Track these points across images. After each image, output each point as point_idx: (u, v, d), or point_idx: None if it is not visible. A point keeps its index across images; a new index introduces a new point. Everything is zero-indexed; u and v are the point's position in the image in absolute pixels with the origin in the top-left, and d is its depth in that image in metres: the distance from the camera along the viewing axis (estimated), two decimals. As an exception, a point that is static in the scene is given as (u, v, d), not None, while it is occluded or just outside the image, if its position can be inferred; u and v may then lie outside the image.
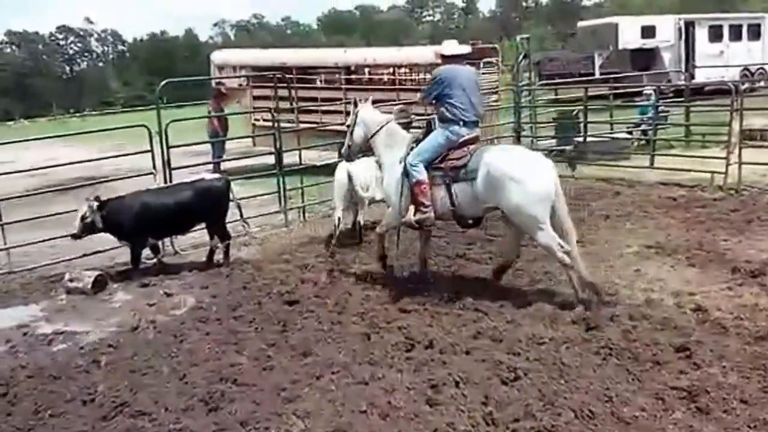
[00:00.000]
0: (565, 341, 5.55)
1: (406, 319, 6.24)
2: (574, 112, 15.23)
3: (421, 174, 6.77)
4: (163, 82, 10.02)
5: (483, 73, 14.40)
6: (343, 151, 7.86)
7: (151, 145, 9.10)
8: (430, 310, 6.41)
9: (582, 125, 14.04)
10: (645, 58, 26.21)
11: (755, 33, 28.77)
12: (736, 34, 28.59)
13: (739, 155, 11.11)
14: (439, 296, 6.73)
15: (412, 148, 6.99)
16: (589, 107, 14.28)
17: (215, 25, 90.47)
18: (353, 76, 16.19)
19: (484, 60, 14.68)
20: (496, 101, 14.76)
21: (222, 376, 5.35)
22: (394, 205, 7.15)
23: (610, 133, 14.66)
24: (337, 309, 6.63)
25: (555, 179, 6.40)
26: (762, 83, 25.33)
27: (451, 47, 7.14)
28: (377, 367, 5.31)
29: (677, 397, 4.66)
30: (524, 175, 6.32)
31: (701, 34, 27.62)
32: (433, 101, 6.97)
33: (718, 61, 26.32)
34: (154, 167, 9.16)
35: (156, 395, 5.13)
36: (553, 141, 14.87)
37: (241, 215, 8.95)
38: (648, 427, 4.35)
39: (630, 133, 15.03)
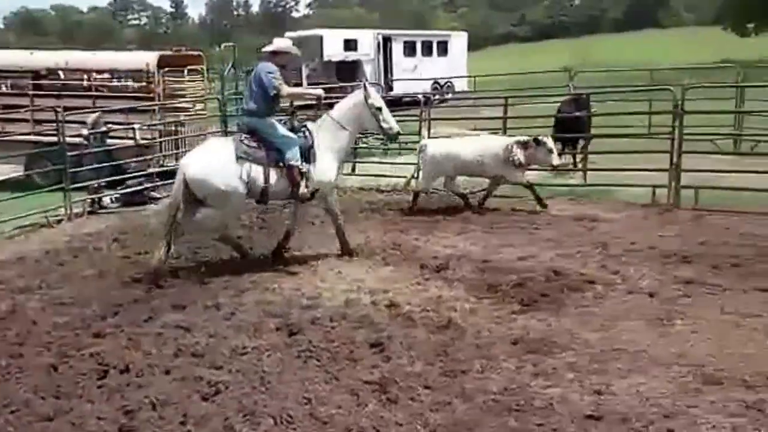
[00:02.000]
0: (268, 349, 5.59)
1: (101, 344, 5.84)
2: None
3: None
4: None
5: (188, 81, 14.10)
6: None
7: None
8: (127, 332, 6.07)
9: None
10: (349, 70, 27.51)
11: (443, 49, 31.70)
12: (427, 50, 31.26)
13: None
14: (136, 316, 6.43)
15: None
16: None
17: None
18: (44, 82, 14.92)
19: (189, 67, 14.37)
20: (202, 110, 14.52)
21: None
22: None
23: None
24: (18, 340, 6.00)
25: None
26: (449, 95, 27.87)
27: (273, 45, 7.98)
28: (64, 400, 4.90)
29: (370, 390, 4.89)
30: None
31: (397, 49, 29.75)
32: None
33: (413, 74, 28.57)
34: None
35: None
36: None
37: None
38: (343, 423, 4.51)
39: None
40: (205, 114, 14.83)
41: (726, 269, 7.11)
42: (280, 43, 8.20)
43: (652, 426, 4.29)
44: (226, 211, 7.73)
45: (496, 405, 4.62)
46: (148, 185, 12.26)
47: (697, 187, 9.80)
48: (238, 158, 7.52)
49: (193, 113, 14.42)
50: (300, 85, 26.66)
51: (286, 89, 7.77)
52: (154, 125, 13.51)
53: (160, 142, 13.48)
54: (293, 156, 7.65)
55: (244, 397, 4.83)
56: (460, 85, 29.65)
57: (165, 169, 12.86)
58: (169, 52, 15.30)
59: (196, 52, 15.96)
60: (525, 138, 10.11)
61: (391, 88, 26.19)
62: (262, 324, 6.09)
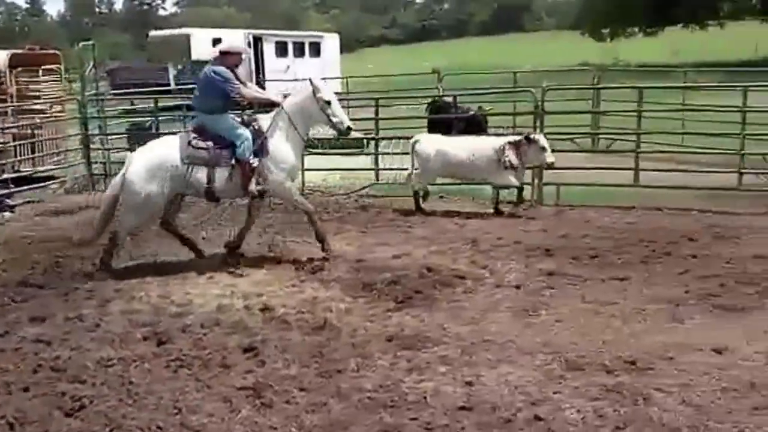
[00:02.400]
0: (135, 360, 5.38)
1: (-50, 363, 5.43)
2: (148, 123, 14.98)
3: None
4: None
5: (43, 81, 13.37)
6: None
7: None
8: (-20, 348, 5.67)
9: (155, 136, 13.84)
10: (219, 71, 26.93)
11: (316, 50, 31.69)
12: (299, 50, 31.14)
13: (302, 162, 12.02)
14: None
15: None
16: (162, 117, 14.19)
17: None
18: None
19: (44, 67, 13.63)
20: (60, 112, 13.80)
21: None
22: None
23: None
24: None
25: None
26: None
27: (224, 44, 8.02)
28: None
29: (244, 396, 4.80)
30: None
31: (269, 50, 29.46)
32: None
33: (285, 75, 28.34)
34: None
35: None
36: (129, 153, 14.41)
37: None
38: (216, 430, 4.41)
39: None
40: (63, 116, 14.09)
41: (586, 260, 7.49)
42: (231, 42, 8.13)
43: (520, 413, 4.44)
44: (136, 213, 7.66)
45: (371, 402, 4.64)
46: (3, 192, 11.52)
47: (559, 184, 10.27)
48: (184, 163, 7.53)
49: (50, 115, 13.67)
50: (168, 85, 25.97)
51: (247, 93, 7.85)
52: (7, 128, 12.72)
53: (15, 147, 12.70)
54: (243, 152, 7.56)
55: (110, 410, 4.62)
56: (334, 86, 29.67)
57: (20, 174, 12.14)
58: (21, 51, 14.47)
59: (51, 51, 15.13)
60: (516, 138, 9.79)
61: (262, 89, 25.86)
62: (129, 334, 5.86)
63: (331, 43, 32.98)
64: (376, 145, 12.48)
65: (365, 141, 14.50)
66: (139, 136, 14.46)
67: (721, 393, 4.61)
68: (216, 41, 28.24)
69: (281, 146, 7.78)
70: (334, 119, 7.83)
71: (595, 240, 8.20)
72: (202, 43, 27.63)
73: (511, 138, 9.80)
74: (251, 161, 7.60)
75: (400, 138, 11.96)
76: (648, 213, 9.11)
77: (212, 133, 7.65)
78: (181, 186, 7.66)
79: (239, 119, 7.90)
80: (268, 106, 8.13)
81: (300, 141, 7.97)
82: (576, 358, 5.17)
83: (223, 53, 7.81)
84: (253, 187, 7.64)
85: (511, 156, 9.48)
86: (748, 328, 5.62)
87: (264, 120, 7.86)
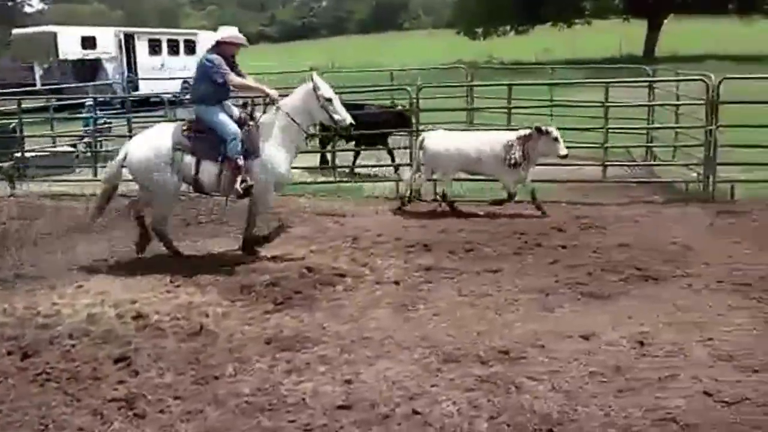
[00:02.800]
0: (-2, 375, 5.07)
1: None
2: (11, 126, 14.13)
3: None
4: None
5: None
6: None
7: None
8: None
9: (20, 139, 13.12)
10: (88, 69, 25.88)
11: (191, 48, 30.91)
12: (173, 48, 30.28)
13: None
14: None
15: None
16: (27, 120, 13.46)
17: None
18: None
19: None
20: None
21: None
22: None
23: (53, 147, 14.06)
24: None
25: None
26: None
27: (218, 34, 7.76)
28: None
29: (116, 408, 4.62)
30: None
31: (141, 47, 28.51)
32: None
33: (160, 73, 27.50)
34: None
35: None
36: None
37: None
38: (82, 446, 4.22)
39: (74, 146, 14.64)
40: None
41: (462, 254, 7.66)
42: (225, 32, 7.78)
43: (399, 409, 4.49)
44: (158, 201, 7.75)
45: (248, 407, 4.57)
46: None
47: (437, 180, 10.46)
48: (174, 148, 7.49)
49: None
50: (33, 85, 24.66)
51: (235, 79, 7.60)
52: None
53: None
54: (232, 149, 7.43)
55: (-32, 432, 4.33)
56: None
57: None
58: None
59: None
60: (526, 131, 9.26)
61: (136, 88, 25.02)
62: (-11, 349, 5.51)
63: (207, 40, 32.21)
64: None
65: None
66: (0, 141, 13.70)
67: (588, 378, 4.82)
68: (85, 40, 27.24)
69: (274, 151, 7.64)
70: (336, 116, 7.69)
71: (470, 234, 8.39)
72: (69, 42, 26.44)
73: (522, 132, 9.34)
74: (238, 160, 7.46)
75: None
76: (520, 206, 9.40)
77: (204, 124, 7.61)
78: (179, 172, 7.59)
79: (236, 115, 7.76)
80: (260, 96, 8.00)
81: (297, 143, 7.87)
82: (452, 350, 5.28)
83: (219, 43, 7.69)
84: (238, 185, 7.49)
85: (517, 153, 9.06)
86: (613, 315, 5.90)
87: (262, 119, 7.76)
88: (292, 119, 7.65)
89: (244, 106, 8.18)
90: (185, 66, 28.91)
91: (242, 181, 7.48)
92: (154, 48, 29.34)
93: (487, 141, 9.38)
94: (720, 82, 9.54)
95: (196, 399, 4.71)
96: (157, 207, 7.83)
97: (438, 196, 9.79)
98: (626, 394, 4.59)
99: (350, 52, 45.92)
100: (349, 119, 7.74)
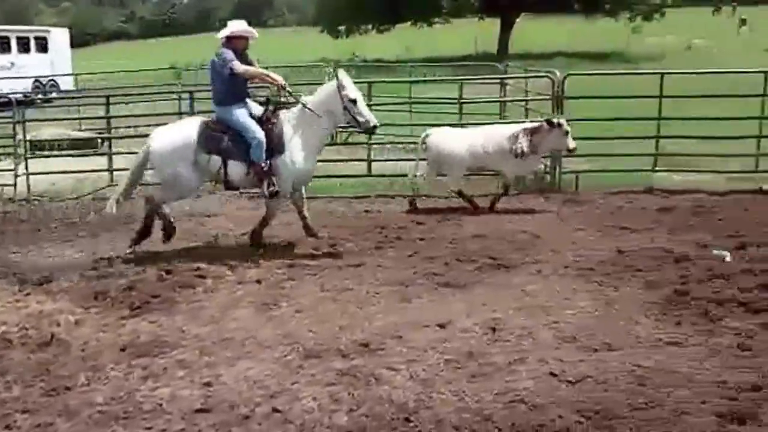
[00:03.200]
0: None
1: None
2: None
3: None
4: None
5: None
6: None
7: None
8: None
9: None
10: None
11: (42, 46, 29.36)
12: (24, 46, 28.68)
13: (26, 166, 11.15)
14: None
15: None
16: None
17: None
18: None
19: None
20: None
21: None
22: None
23: None
24: None
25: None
26: (54, 94, 25.92)
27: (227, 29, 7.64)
28: None
29: (-46, 428, 4.36)
30: None
31: (-11, 45, 26.88)
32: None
33: (10, 72, 25.99)
34: None
35: None
36: None
37: None
38: None
39: None
40: None
41: (325, 249, 7.72)
42: (235, 26, 7.66)
43: (259, 408, 4.48)
44: (169, 192, 7.74)
45: (102, 417, 4.42)
46: None
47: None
48: (199, 145, 7.43)
49: None
50: None
51: (239, 67, 7.39)
52: None
53: None
54: (255, 152, 7.39)
55: None
56: (66, 83, 27.72)
57: None
58: None
59: None
60: (535, 123, 9.17)
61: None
62: None
63: (59, 37, 30.73)
64: (110, 146, 11.86)
65: (99, 141, 13.79)
66: None
67: (443, 365, 4.99)
68: None
69: (297, 149, 7.53)
70: (360, 118, 7.44)
71: (333, 229, 8.46)
72: None
73: (529, 124, 9.29)
74: (263, 164, 7.41)
75: (133, 137, 11.46)
76: (381, 201, 9.58)
77: (226, 125, 7.52)
78: (201, 170, 7.56)
79: (257, 114, 7.61)
80: (268, 83, 7.84)
81: (320, 142, 7.74)
82: (314, 346, 5.32)
83: (229, 38, 7.59)
84: (265, 188, 7.51)
85: (523, 143, 8.91)
86: (468, 303, 6.13)
87: (284, 116, 7.62)
88: (315, 118, 7.50)
89: (266, 103, 7.90)
90: (38, 64, 27.51)
91: (269, 185, 7.48)
92: (3, 46, 27.66)
93: (491, 135, 9.28)
94: (564, 78, 10.08)
95: (46, 411, 4.51)
96: (166, 194, 7.77)
97: (453, 193, 9.54)
98: (479, 379, 4.78)
99: (213, 49, 44.85)
100: (373, 121, 7.52)
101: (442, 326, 5.64)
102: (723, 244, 7.36)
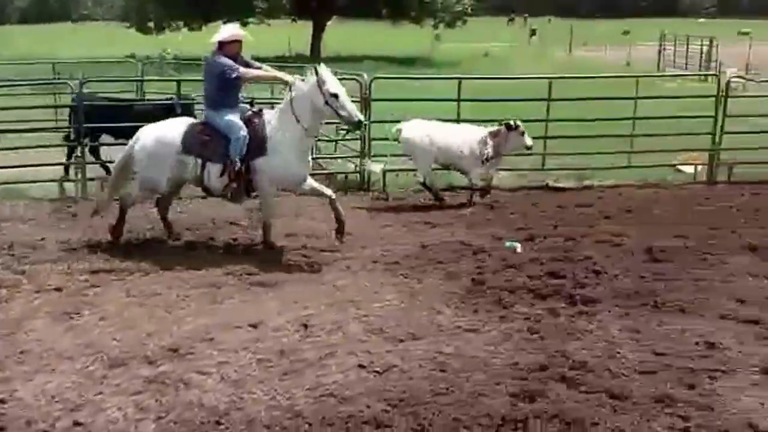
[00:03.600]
0: None
1: None
2: None
3: None
4: None
5: None
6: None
7: None
8: None
9: None
10: None
11: None
12: None
13: None
14: None
15: None
16: None
17: None
18: None
19: None
20: None
21: None
22: None
23: None
24: None
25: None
26: None
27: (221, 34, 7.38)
28: None
29: None
30: None
31: None
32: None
33: None
34: None
35: None
36: None
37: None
38: None
39: None
40: None
41: (134, 253, 7.38)
42: (226, 31, 7.38)
43: (59, 423, 4.29)
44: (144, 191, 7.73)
45: None
46: None
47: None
48: (183, 148, 7.32)
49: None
50: None
51: (249, 73, 7.37)
52: None
53: None
54: (234, 148, 7.19)
55: None
56: None
57: None
58: None
59: None
60: (496, 127, 9.42)
61: None
62: None
63: None
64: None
65: None
66: None
67: (256, 365, 5.03)
68: None
69: (280, 149, 7.28)
70: (342, 113, 7.14)
71: (137, 232, 8.10)
72: None
73: (492, 128, 9.45)
74: (236, 162, 7.19)
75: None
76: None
77: (213, 126, 7.37)
78: (181, 172, 7.42)
79: (244, 114, 7.41)
80: (278, 83, 7.78)
81: (301, 138, 7.34)
82: (119, 354, 5.16)
83: (222, 43, 7.33)
84: (230, 188, 7.37)
85: (490, 149, 9.28)
86: (280, 301, 6.20)
87: (268, 116, 7.41)
88: (296, 116, 7.25)
89: (250, 104, 7.65)
90: None
91: (238, 186, 7.37)
92: None
93: (465, 136, 9.49)
94: (371, 81, 10.39)
95: None
96: (135, 189, 7.81)
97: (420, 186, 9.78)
98: (290, 376, 4.87)
99: (10, 43, 41.41)
100: (358, 116, 7.32)
101: (254, 326, 5.67)
102: (515, 236, 7.97)
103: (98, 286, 6.57)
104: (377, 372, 4.93)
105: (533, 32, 51.47)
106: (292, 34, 38.35)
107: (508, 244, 7.57)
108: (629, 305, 6.06)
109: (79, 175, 9.96)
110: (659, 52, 31.81)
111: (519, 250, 7.38)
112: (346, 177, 10.68)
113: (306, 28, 38.97)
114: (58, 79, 14.64)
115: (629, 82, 12.48)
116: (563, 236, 7.98)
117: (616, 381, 4.77)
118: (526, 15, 65.90)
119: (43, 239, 7.92)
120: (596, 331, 5.56)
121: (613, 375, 4.85)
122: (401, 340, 5.42)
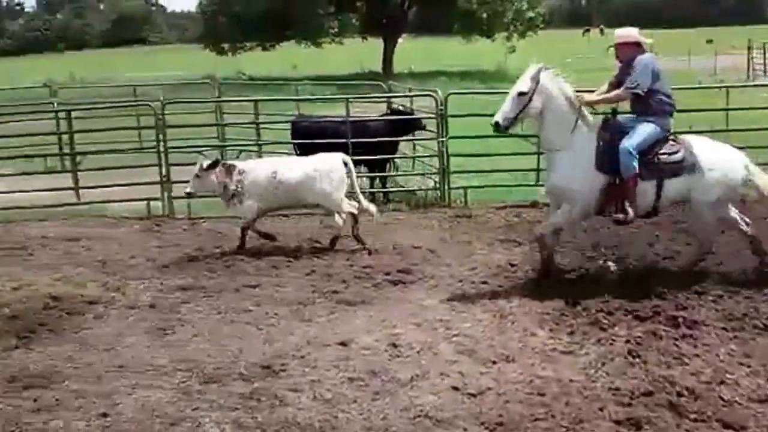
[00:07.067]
0: None
1: None
2: None
3: (638, 167, 6.42)
4: None
5: None
6: (501, 119, 6.54)
7: None
8: None
9: None
10: None
11: None
12: None
13: None
14: None
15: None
16: None
17: None
18: None
19: None
20: None
21: None
22: (577, 199, 6.61)
23: None
24: None
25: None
26: None
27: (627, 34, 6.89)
28: None
29: None
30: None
31: None
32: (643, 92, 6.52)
33: None
34: None
35: None
36: None
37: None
38: None
39: None
40: None
41: (221, 271, 7.56)
42: (621, 32, 6.98)
43: (159, 436, 4.37)
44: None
45: (-9, 453, 4.18)
46: None
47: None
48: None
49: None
50: None
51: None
52: None
53: None
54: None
55: None
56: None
57: None
58: None
59: None
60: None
61: None
62: None
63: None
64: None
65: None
66: None
67: (347, 384, 5.02)
68: None
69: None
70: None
71: (228, 250, 8.28)
72: None
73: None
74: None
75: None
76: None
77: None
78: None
79: None
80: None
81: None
82: (213, 370, 5.24)
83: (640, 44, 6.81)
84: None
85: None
86: (368, 320, 6.18)
87: None
88: None
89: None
90: None
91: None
92: None
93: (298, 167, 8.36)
94: (447, 97, 10.31)
95: None
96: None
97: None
98: (383, 396, 4.84)
99: (91, 66, 43.15)
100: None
101: (343, 344, 5.66)
102: (605, 255, 7.66)
103: (189, 303, 6.71)
104: (472, 395, 4.84)
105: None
106: (363, 52, 38.70)
107: (600, 263, 7.33)
108: (736, 327, 5.75)
109: (167, 194, 10.20)
110: (748, 60, 30.09)
111: (613, 269, 7.11)
112: (426, 194, 10.61)
113: (377, 45, 39.25)
114: (139, 101, 15.05)
115: (715, 92, 12.07)
116: (660, 255, 7.63)
117: (729, 409, 4.55)
118: (602, 26, 64.26)
119: (133, 257, 8.16)
120: (703, 355, 5.32)
121: (725, 403, 4.64)
122: (494, 362, 5.32)
